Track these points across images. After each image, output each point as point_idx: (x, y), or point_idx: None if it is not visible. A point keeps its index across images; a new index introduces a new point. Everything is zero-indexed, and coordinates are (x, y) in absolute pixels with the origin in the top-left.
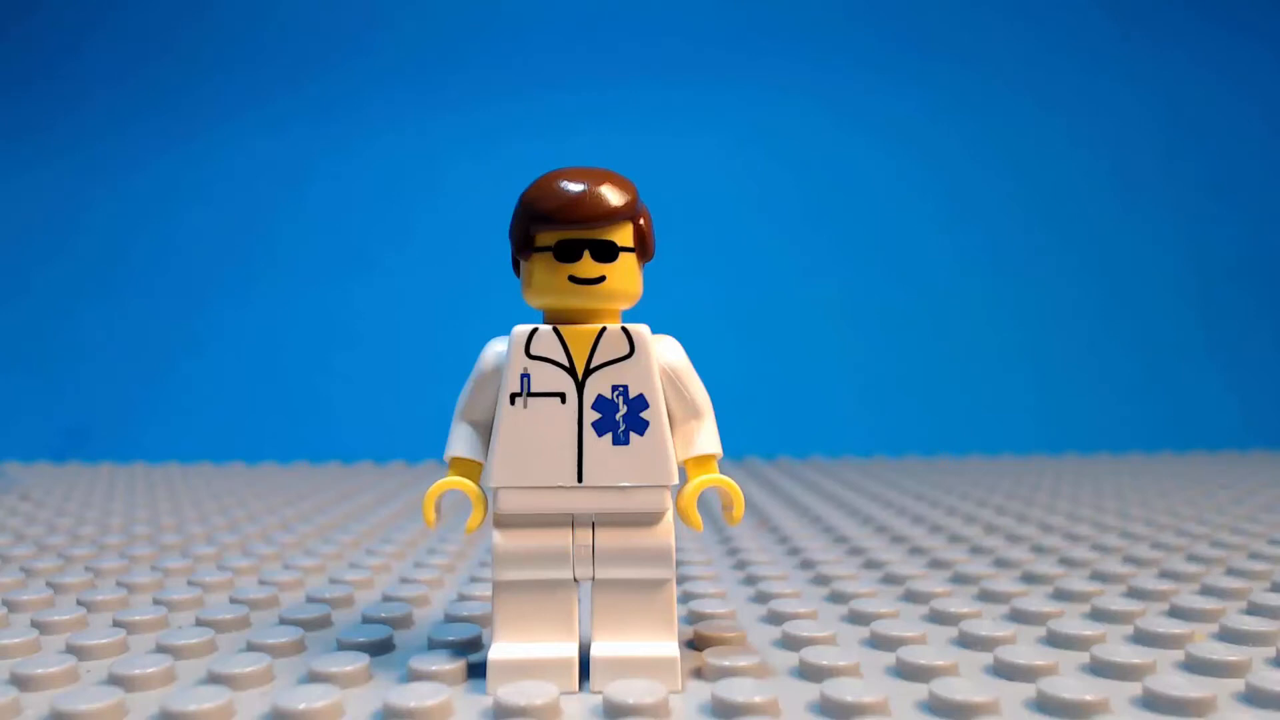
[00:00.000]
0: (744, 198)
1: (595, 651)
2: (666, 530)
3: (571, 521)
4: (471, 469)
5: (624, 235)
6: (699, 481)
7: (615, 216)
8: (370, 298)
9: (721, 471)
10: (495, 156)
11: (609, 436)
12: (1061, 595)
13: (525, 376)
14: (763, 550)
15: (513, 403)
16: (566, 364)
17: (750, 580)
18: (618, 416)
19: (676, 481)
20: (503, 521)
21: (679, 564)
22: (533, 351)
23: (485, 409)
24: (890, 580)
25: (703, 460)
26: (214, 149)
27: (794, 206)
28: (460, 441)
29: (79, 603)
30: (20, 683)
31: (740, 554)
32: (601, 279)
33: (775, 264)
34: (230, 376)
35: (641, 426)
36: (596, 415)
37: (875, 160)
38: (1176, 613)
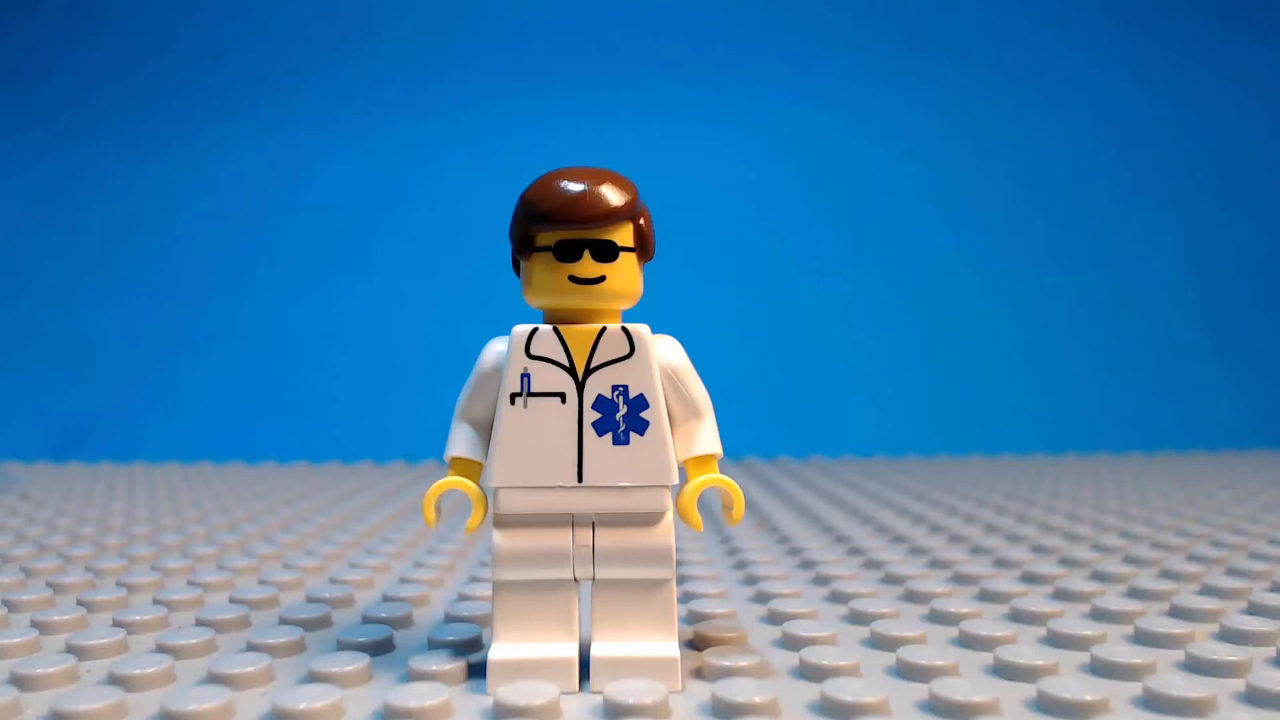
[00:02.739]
0: (745, 197)
1: (595, 651)
2: (666, 530)
3: (571, 521)
4: (472, 469)
5: (624, 235)
6: (699, 481)
7: (615, 216)
8: (370, 298)
9: (721, 471)
10: (495, 156)
11: (609, 436)
12: (1062, 595)
13: (525, 376)
14: (763, 550)
15: (513, 403)
16: (566, 364)
17: (750, 580)
18: (618, 416)
19: (676, 481)
20: (503, 521)
21: (679, 564)
22: (533, 351)
23: (485, 409)
24: (890, 580)
25: (703, 460)
26: (214, 149)
27: (795, 206)
28: (460, 441)
29: (79, 603)
30: (20, 683)
31: (740, 554)
32: (601, 279)
33: (775, 264)
34: (230, 376)
35: (641, 426)
36: (596, 415)
37: (876, 159)
38: (1176, 613)
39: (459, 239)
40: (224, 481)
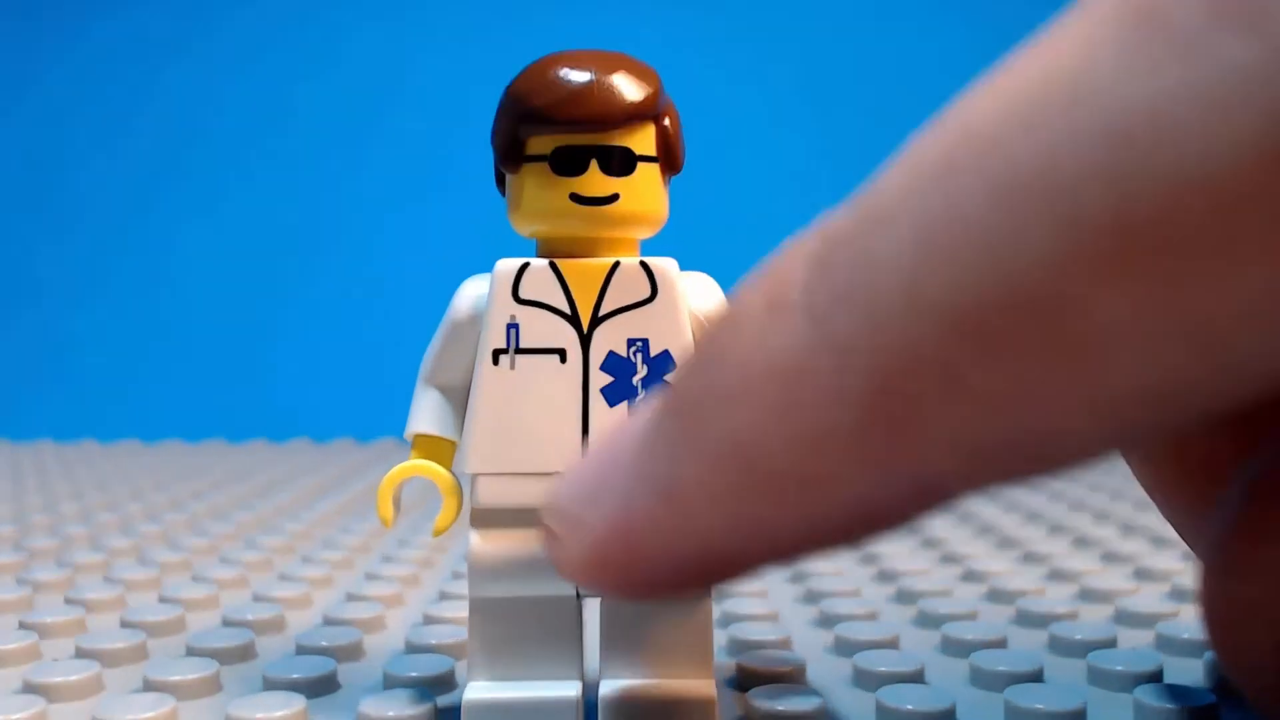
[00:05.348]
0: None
1: (605, 691)
2: None
3: None
4: (441, 449)
5: (643, 140)
6: None
7: (632, 115)
8: (307, 226)
9: None
10: (475, 43)
11: (623, 407)
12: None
13: (512, 327)
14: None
15: (496, 362)
16: (567, 311)
17: (811, 597)
18: (635, 381)
19: None
20: (483, 519)
21: None
22: (522, 294)
23: (459, 370)
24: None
25: None
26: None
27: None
28: (426, 414)
29: None
30: None
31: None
32: (614, 198)
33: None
34: (124, 335)
35: None
36: (607, 379)
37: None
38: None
39: (425, 139)
40: (112, 464)
